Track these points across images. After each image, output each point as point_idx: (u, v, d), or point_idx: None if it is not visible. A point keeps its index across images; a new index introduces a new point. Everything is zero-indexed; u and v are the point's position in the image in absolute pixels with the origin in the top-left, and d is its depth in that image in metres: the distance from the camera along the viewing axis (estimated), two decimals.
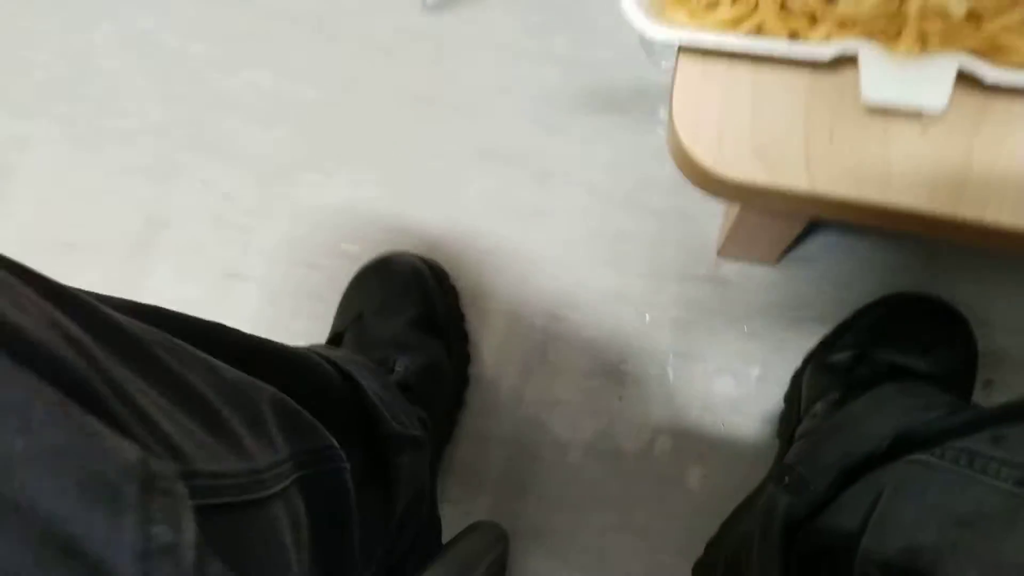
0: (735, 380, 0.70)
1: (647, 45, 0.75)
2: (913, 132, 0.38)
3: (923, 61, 0.36)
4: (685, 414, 0.70)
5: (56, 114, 0.81)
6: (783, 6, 0.39)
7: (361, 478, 0.42)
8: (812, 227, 0.70)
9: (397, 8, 0.79)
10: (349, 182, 0.77)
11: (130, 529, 0.21)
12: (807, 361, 0.68)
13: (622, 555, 0.68)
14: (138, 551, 0.21)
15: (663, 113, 0.74)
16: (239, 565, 0.30)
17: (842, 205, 0.39)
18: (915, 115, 0.38)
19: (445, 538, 0.61)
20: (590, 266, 0.73)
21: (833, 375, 0.65)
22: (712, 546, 0.65)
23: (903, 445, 0.51)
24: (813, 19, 0.39)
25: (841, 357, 0.65)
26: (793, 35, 0.40)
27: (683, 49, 0.40)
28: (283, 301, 0.76)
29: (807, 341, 0.68)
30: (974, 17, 0.38)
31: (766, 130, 0.39)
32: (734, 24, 0.40)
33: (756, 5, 0.39)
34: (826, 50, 0.37)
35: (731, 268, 0.71)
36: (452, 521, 0.64)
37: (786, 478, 0.56)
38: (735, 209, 0.59)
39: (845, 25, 0.38)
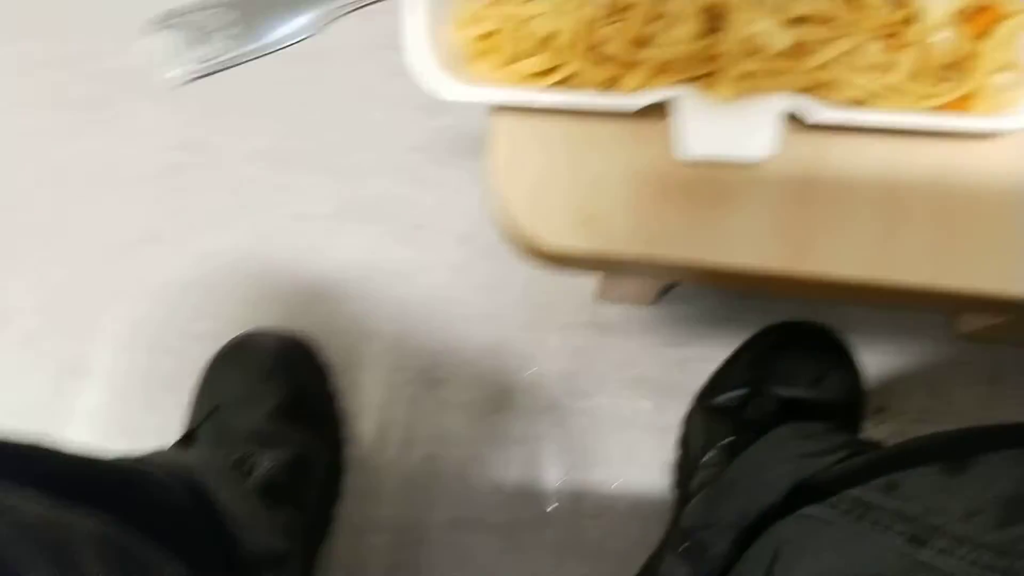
0: (628, 429, 0.66)
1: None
2: (746, 181, 0.35)
3: (744, 106, 0.33)
4: (578, 471, 0.66)
5: None
6: (596, 52, 0.35)
7: None
8: None
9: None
10: (197, 251, 0.71)
11: None
12: (697, 403, 0.65)
13: None
14: None
15: None
16: None
17: (684, 270, 0.35)
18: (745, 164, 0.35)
19: None
20: (467, 321, 0.69)
21: (724, 416, 0.62)
22: None
23: (800, 494, 0.48)
24: (630, 65, 0.35)
25: (730, 396, 0.62)
26: (611, 83, 0.36)
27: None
28: (133, 395, 0.68)
29: (696, 380, 0.65)
30: (800, 52, 0.35)
31: (588, 190, 0.35)
32: (544, 76, 0.36)
33: (566, 54, 0.35)
34: (636, 100, 0.33)
35: (611, 312, 0.68)
36: None
37: (684, 544, 0.52)
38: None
39: (663, 70, 0.35)
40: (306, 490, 0.59)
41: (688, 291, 0.67)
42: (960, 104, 0.35)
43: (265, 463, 0.56)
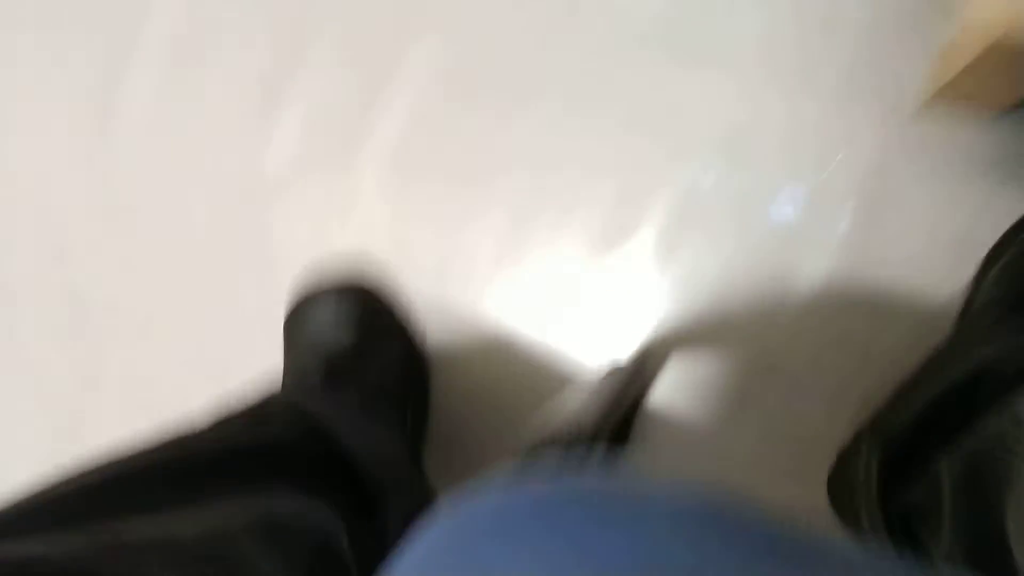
0: (922, 238, 0.62)
1: None
2: None
3: None
4: (862, 267, 0.63)
5: None
6: None
7: (354, 526, 0.41)
8: None
9: None
10: None
11: None
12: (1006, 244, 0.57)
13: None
14: None
15: None
16: None
17: None
18: None
19: None
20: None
21: None
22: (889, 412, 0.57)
23: None
24: None
25: None
26: None
27: None
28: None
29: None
30: None
31: None
32: None
33: None
34: None
35: (936, 116, 0.60)
36: None
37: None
38: (973, 47, 0.47)
39: None
40: (405, 400, 0.63)
41: None
42: None
43: (367, 381, 0.59)
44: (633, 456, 0.64)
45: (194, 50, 0.79)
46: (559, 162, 0.69)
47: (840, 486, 0.57)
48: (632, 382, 0.60)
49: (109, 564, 0.28)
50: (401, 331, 0.69)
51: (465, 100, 0.71)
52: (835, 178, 0.63)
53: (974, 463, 0.42)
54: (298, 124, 0.75)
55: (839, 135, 0.63)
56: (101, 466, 0.31)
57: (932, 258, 0.61)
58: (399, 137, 0.72)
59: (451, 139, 0.71)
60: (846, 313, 0.63)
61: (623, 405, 0.57)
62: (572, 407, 0.57)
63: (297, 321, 0.68)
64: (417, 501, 0.53)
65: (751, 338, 0.64)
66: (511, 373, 0.69)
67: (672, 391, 0.66)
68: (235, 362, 0.75)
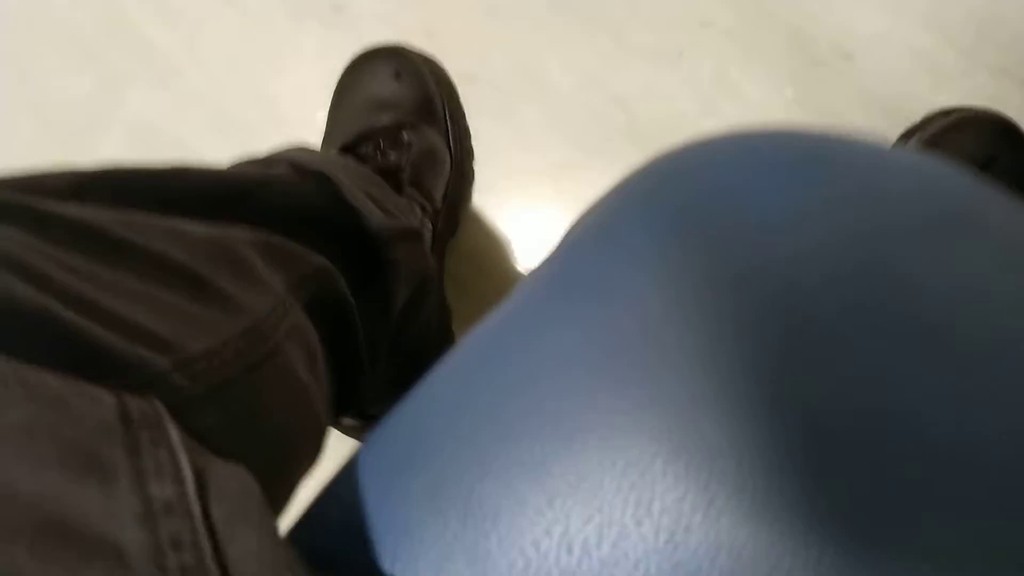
0: None
1: None
2: None
3: None
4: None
5: None
6: None
7: (356, 282, 0.40)
8: None
9: None
10: None
11: (125, 495, 0.19)
12: None
13: None
14: (139, 516, 0.19)
15: None
16: (260, 433, 0.30)
17: None
18: None
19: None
20: None
21: None
22: None
23: None
24: None
25: None
26: None
27: None
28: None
29: None
30: None
31: None
32: None
33: None
34: None
35: None
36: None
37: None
38: None
39: None
40: (432, 180, 0.60)
41: None
42: None
43: (392, 153, 0.58)
44: None
45: None
46: None
47: None
48: None
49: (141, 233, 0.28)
50: (447, 132, 0.65)
51: None
52: None
53: None
54: None
55: None
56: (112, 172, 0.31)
57: None
58: None
59: None
60: None
61: None
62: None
63: (350, 83, 0.65)
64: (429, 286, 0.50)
65: None
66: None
67: None
68: None
